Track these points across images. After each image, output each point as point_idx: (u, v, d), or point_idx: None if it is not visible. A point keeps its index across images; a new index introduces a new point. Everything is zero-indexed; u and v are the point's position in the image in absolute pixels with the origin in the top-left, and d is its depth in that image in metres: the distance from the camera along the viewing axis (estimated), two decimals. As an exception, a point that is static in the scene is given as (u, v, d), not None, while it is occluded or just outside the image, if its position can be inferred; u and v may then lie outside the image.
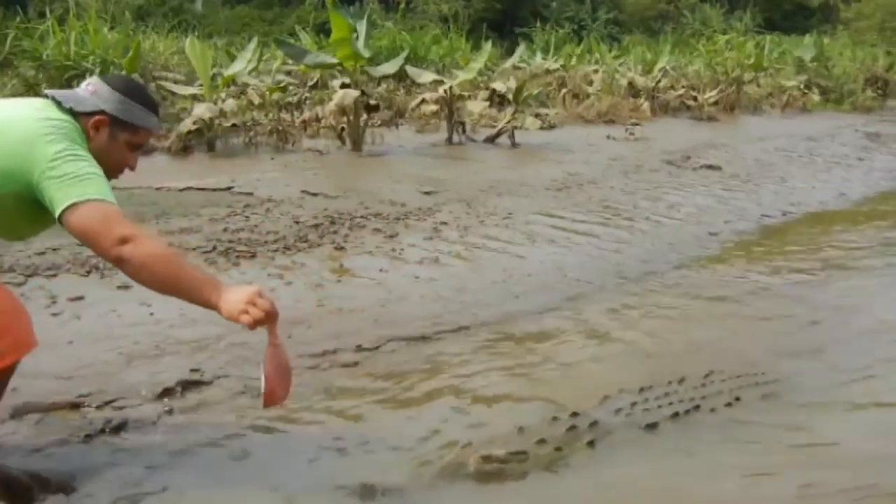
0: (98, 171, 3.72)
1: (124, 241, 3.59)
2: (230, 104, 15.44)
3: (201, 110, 14.66)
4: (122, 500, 4.13)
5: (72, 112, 3.88)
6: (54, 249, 8.30)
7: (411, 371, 5.81)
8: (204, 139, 14.90)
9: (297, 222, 9.55)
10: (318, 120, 16.28)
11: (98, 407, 5.03)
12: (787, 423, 5.09)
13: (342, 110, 15.04)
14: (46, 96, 3.97)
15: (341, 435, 4.84)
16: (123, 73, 15.87)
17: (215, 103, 15.19)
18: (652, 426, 4.82)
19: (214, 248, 8.41)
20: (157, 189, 11.42)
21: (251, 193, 11.14)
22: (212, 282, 3.80)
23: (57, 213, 3.60)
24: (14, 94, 14.65)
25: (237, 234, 8.96)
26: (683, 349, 6.31)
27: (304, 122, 16.39)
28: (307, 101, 18.09)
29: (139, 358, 5.78)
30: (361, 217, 9.81)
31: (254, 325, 3.70)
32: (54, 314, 6.57)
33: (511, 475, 4.32)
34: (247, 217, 9.82)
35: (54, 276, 7.51)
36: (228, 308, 3.68)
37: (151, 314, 6.59)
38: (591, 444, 4.59)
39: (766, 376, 5.60)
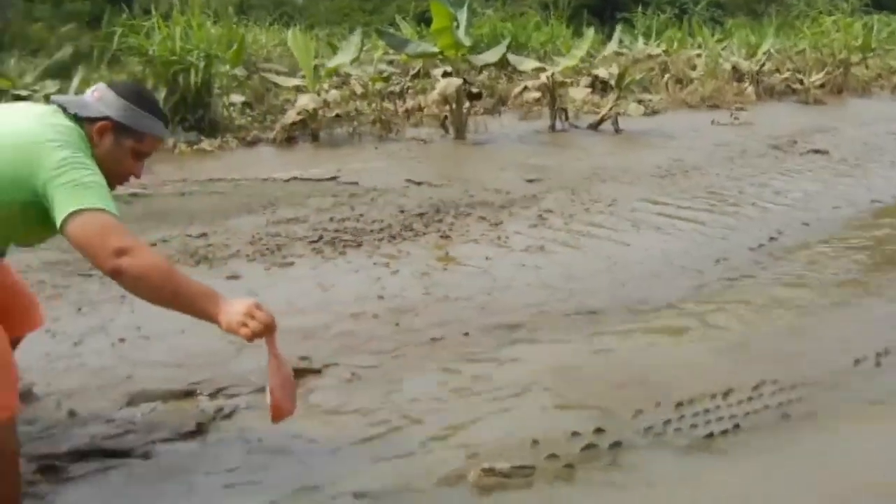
0: (100, 181, 3.63)
1: (121, 252, 3.48)
2: (333, 95, 15.57)
3: (305, 101, 14.80)
4: (232, 487, 4.17)
5: (77, 118, 3.82)
6: (164, 241, 8.44)
7: (476, 363, 5.67)
8: (308, 130, 15.04)
9: (402, 211, 9.59)
10: (420, 109, 16.34)
11: (210, 395, 5.08)
12: (830, 452, 4.56)
13: (445, 99, 15.07)
14: (54, 104, 3.89)
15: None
16: (227, 67, 16.10)
17: (318, 94, 15.33)
18: (681, 449, 4.45)
19: (321, 237, 8.48)
20: (264, 180, 11.56)
21: (356, 183, 11.22)
22: (211, 294, 3.67)
23: (58, 222, 3.51)
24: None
25: (343, 224, 9.02)
26: (763, 350, 5.90)
27: (406, 111, 16.45)
28: (409, 91, 18.15)
29: (249, 346, 5.79)
30: (466, 205, 9.81)
31: (252, 337, 3.63)
32: (166, 304, 6.66)
33: (512, 491, 4.06)
34: (352, 207, 9.88)
35: (165, 266, 7.61)
36: (227, 320, 3.59)
37: (260, 303, 6.65)
38: (609, 465, 4.29)
39: (825, 387, 5.12)
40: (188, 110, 14.99)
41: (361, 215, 9.41)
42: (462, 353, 5.78)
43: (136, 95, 3.91)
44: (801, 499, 4.17)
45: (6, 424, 3.66)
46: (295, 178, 11.63)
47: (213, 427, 4.74)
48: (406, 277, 7.30)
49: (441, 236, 8.53)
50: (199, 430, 4.68)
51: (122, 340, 5.87)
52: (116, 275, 3.51)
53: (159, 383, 5.18)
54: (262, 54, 21.07)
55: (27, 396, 4.93)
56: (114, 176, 3.90)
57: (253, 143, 14.91)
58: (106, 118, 3.82)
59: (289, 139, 14.91)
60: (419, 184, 11.04)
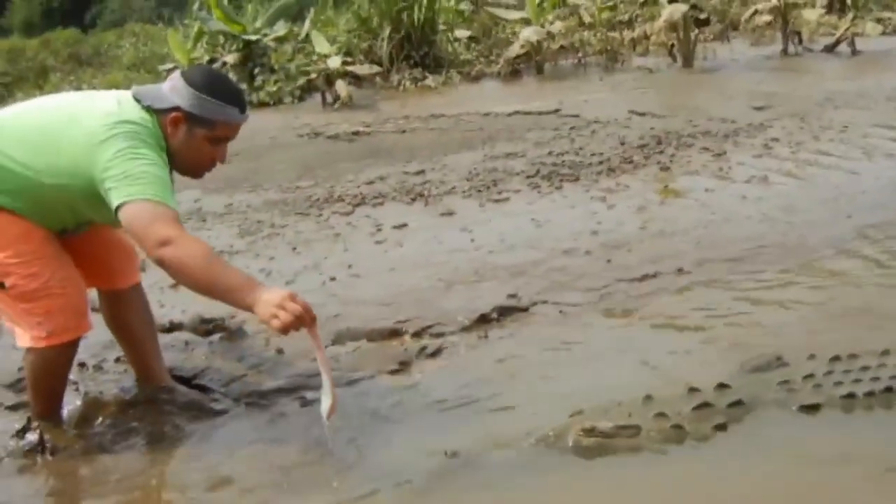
0: (154, 171, 3.70)
1: (164, 243, 3.56)
2: (557, 26, 15.41)
3: (528, 33, 14.71)
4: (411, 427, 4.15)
5: (152, 110, 3.87)
6: (381, 178, 8.53)
7: (666, 303, 5.38)
8: (532, 63, 14.94)
9: (622, 143, 9.40)
10: (647, 37, 15.95)
11: (415, 334, 5.07)
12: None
13: (672, 26, 14.69)
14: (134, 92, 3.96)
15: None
16: (452, 2, 16.11)
17: (542, 26, 15.17)
18: (811, 408, 3.87)
19: (538, 171, 8.41)
20: (485, 115, 11.56)
21: (578, 115, 11.09)
22: (249, 284, 3.63)
23: (113, 211, 3.64)
24: (349, 29, 15.29)
25: (561, 157, 8.92)
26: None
27: (632, 40, 16.10)
28: (638, 19, 17.74)
29: (458, 284, 5.81)
30: (689, 136, 9.52)
31: (284, 330, 3.52)
32: (378, 242, 6.74)
33: (611, 453, 3.69)
34: (572, 139, 9.78)
35: (380, 204, 7.72)
36: (261, 311, 3.53)
37: (472, 240, 6.64)
38: (720, 427, 3.79)
39: None
40: (413, 47, 15.11)
41: (581, 148, 9.28)
42: (665, 290, 5.56)
43: (206, 83, 3.90)
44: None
45: (65, 345, 4.00)
46: (517, 112, 11.58)
47: (416, 366, 4.73)
48: (622, 212, 7.14)
49: (661, 168, 8.31)
50: (401, 369, 4.68)
51: (332, 279, 5.96)
52: (160, 264, 3.62)
53: (366, 322, 5.21)
54: (489, -13, 21.02)
55: (238, 335, 5.06)
56: (195, 164, 4.00)
57: (477, 78, 14.94)
58: (176, 108, 3.85)
59: (513, 73, 14.91)
60: (642, 114, 10.80)
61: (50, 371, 4.09)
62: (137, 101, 3.88)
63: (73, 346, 4.08)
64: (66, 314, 3.93)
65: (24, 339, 3.97)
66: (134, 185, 3.60)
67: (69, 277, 3.99)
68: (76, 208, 3.92)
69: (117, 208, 3.61)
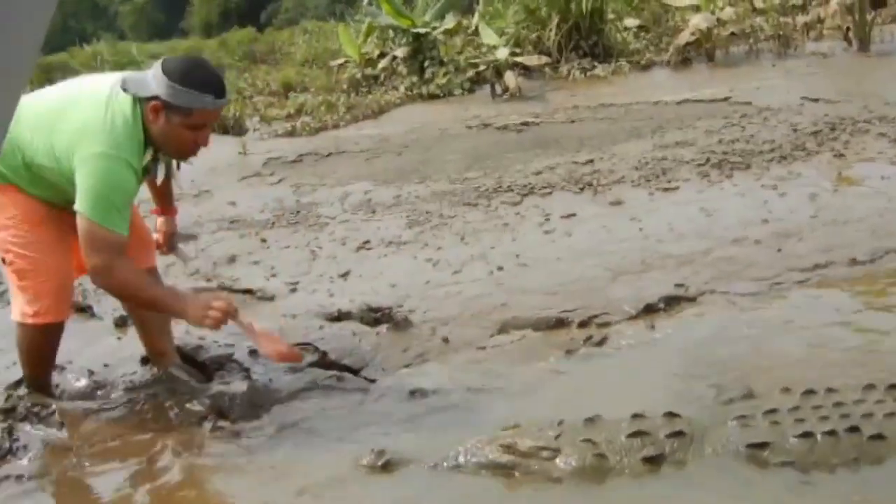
0: (116, 196, 4.07)
1: (96, 270, 4.14)
2: (728, 12, 15.16)
3: (698, 20, 14.52)
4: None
5: (136, 97, 4.09)
6: (550, 168, 8.56)
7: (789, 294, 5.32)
8: (703, 50, 14.75)
9: (794, 130, 9.21)
10: (821, 21, 15.57)
11: (581, 323, 5.12)
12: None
13: (847, 9, 14.30)
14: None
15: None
16: None
17: (713, 12, 14.96)
18: (760, 447, 3.54)
19: (708, 160, 8.32)
20: (655, 104, 11.49)
21: (749, 103, 10.91)
22: (176, 296, 4.35)
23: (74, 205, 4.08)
24: (517, 21, 15.39)
25: (732, 146, 8.80)
26: None
27: (806, 24, 15.73)
28: (812, 3, 17.33)
29: (625, 273, 5.82)
30: (864, 122, 9.26)
31: (216, 325, 4.17)
32: (546, 231, 6.79)
33: (521, 473, 3.57)
34: (743, 127, 9.62)
35: (549, 194, 7.76)
36: (193, 315, 4.16)
37: (640, 229, 6.64)
38: (648, 460, 3.52)
39: None
40: (581, 37, 15.10)
41: (752, 136, 9.13)
42: (838, 280, 5.48)
43: (180, 72, 4.12)
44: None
45: (48, 326, 4.45)
46: (686, 101, 11.47)
47: (579, 355, 4.77)
48: (794, 200, 7.01)
49: (834, 155, 8.12)
50: (567, 358, 4.73)
51: (500, 268, 6.04)
52: (94, 282, 4.38)
53: (532, 311, 5.30)
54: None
55: (404, 324, 5.17)
56: (177, 149, 4.29)
57: (647, 66, 14.84)
58: (156, 97, 4.08)
59: (683, 61, 14.73)
60: (815, 101, 10.55)
61: (36, 347, 4.57)
62: (125, 89, 4.13)
63: (56, 328, 4.54)
64: (51, 298, 4.39)
65: (15, 312, 4.46)
66: (93, 203, 4.04)
67: (59, 266, 4.42)
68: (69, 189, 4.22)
69: (77, 211, 4.05)
